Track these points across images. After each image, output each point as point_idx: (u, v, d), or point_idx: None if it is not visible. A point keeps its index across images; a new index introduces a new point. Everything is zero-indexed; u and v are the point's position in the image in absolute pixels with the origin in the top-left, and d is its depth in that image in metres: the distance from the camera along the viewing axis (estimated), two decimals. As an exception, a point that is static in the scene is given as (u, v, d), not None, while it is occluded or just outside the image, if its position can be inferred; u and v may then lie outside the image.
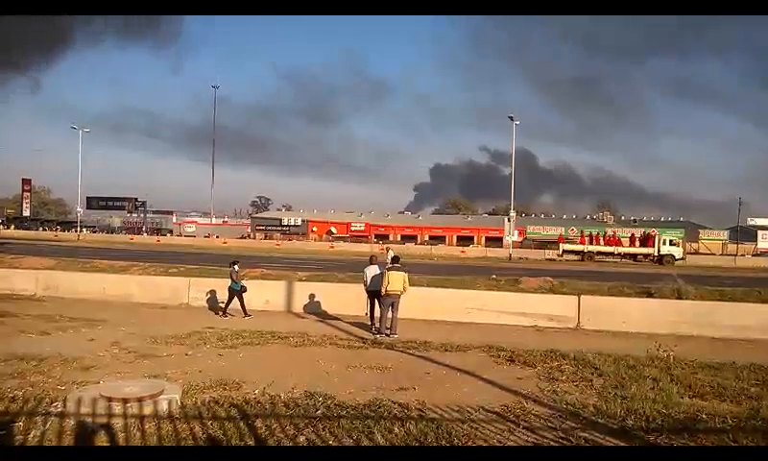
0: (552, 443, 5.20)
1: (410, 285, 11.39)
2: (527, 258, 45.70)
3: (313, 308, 13.76)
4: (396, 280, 10.94)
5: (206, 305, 14.14)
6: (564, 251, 47.10)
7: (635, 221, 79.05)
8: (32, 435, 4.99)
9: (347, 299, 13.76)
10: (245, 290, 13.05)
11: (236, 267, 13.06)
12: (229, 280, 13.03)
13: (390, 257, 21.36)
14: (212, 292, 14.32)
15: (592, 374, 7.97)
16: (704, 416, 6.07)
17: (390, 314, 11.01)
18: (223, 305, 13.21)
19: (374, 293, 11.46)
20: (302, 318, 12.99)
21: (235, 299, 12.87)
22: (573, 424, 5.75)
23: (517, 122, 48.76)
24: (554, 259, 45.27)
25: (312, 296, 14.02)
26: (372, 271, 11.63)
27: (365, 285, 11.80)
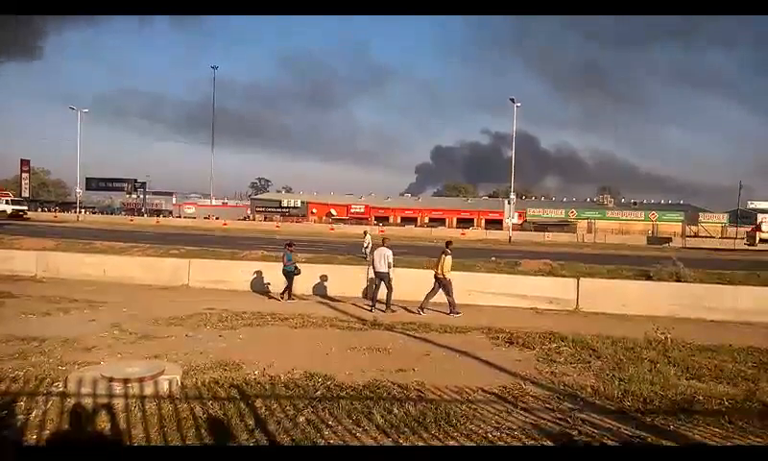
0: (550, 424, 5.25)
1: (410, 268, 11.64)
2: (538, 241, 45.63)
3: (313, 290, 13.79)
4: (449, 265, 11.46)
5: (250, 289, 14.05)
6: (762, 240, 44.17)
7: (635, 204, 78.96)
8: (33, 415, 5.03)
9: (347, 281, 13.80)
10: (298, 272, 12.91)
11: (291, 249, 12.91)
12: (282, 263, 12.86)
13: (367, 240, 21.33)
14: (258, 273, 14.27)
15: (590, 356, 8.03)
16: (700, 398, 6.12)
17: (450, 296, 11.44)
18: (275, 289, 13.33)
19: (381, 275, 11.80)
20: (303, 300, 13.02)
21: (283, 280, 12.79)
22: (571, 406, 5.81)
23: (519, 104, 48.43)
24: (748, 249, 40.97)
25: (312, 278, 14.04)
26: (381, 253, 11.84)
27: (373, 267, 12.00)
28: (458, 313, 11.25)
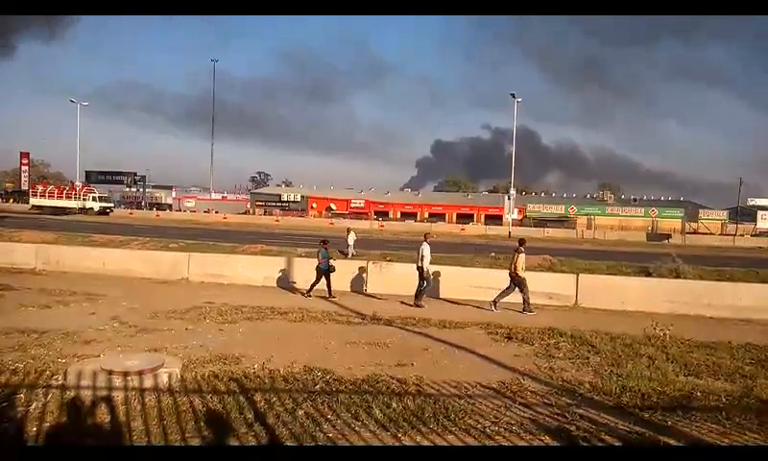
0: (548, 419, 5.27)
1: (411, 263, 11.79)
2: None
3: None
4: (522, 262, 11.51)
5: (276, 285, 13.99)
6: None
7: (635, 200, 78.89)
8: (33, 407, 5.05)
9: (347, 275, 13.81)
10: (333, 270, 12.68)
11: (326, 247, 12.71)
12: (317, 261, 12.67)
13: (351, 238, 20.98)
14: (283, 271, 14.17)
15: (589, 351, 8.05)
16: (698, 394, 6.14)
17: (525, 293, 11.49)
18: (298, 285, 13.27)
19: (419, 269, 11.97)
20: (303, 294, 13.03)
21: (319, 278, 12.59)
22: (569, 401, 5.82)
23: (519, 99, 48.37)
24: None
25: (313, 272, 14.03)
26: (420, 248, 11.97)
27: (420, 262, 12.00)
28: (531, 312, 11.19)
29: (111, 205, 62.72)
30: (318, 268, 12.60)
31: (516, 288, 11.52)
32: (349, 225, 31.10)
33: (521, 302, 11.52)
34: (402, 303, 11.86)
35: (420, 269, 11.99)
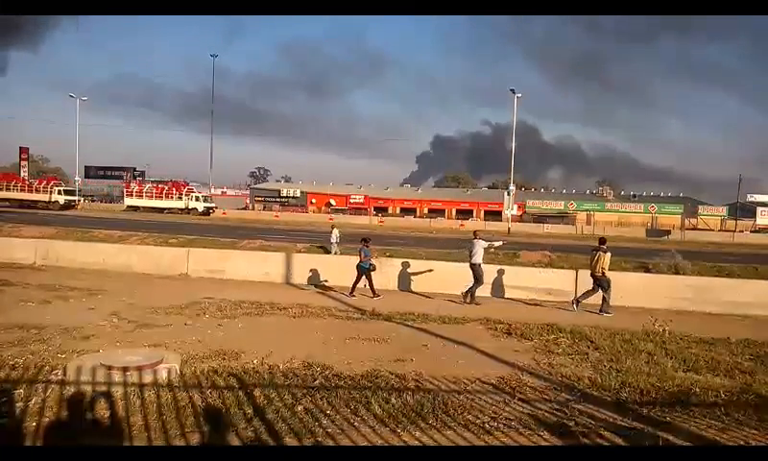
0: (547, 414, 5.27)
1: (410, 259, 11.71)
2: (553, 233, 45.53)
3: (313, 280, 13.81)
4: (607, 262, 11.29)
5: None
6: None
7: (634, 196, 78.88)
8: (33, 402, 5.05)
9: (346, 271, 13.79)
10: (374, 269, 12.40)
11: (367, 245, 12.42)
12: (359, 259, 12.36)
13: (334, 236, 20.55)
14: (314, 271, 13.96)
15: (588, 347, 8.05)
16: (697, 390, 6.14)
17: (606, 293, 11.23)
18: (326, 284, 13.27)
19: (472, 266, 11.98)
20: (302, 290, 13.04)
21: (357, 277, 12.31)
22: (568, 397, 5.83)
23: (519, 95, 48.18)
24: None
25: (312, 268, 14.06)
26: (481, 244, 11.97)
27: (472, 258, 12.00)
28: (609, 313, 10.90)
29: (214, 205, 60.48)
30: (359, 266, 12.27)
31: (599, 288, 11.20)
32: (340, 220, 30.45)
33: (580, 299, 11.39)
34: (429, 296, 11.84)
35: (474, 266, 11.93)
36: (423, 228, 48.46)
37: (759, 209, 58.18)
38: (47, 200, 57.60)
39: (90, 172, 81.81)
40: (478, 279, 11.93)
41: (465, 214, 71.82)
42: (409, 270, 13.57)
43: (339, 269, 13.86)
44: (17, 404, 5.01)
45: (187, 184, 65.30)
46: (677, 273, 16.29)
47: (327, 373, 6.28)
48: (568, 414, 5.29)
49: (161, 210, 57.24)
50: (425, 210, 76.40)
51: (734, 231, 52.44)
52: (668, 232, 49.03)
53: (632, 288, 12.41)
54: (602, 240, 11.73)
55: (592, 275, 11.40)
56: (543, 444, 4.63)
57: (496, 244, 12.87)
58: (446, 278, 13.15)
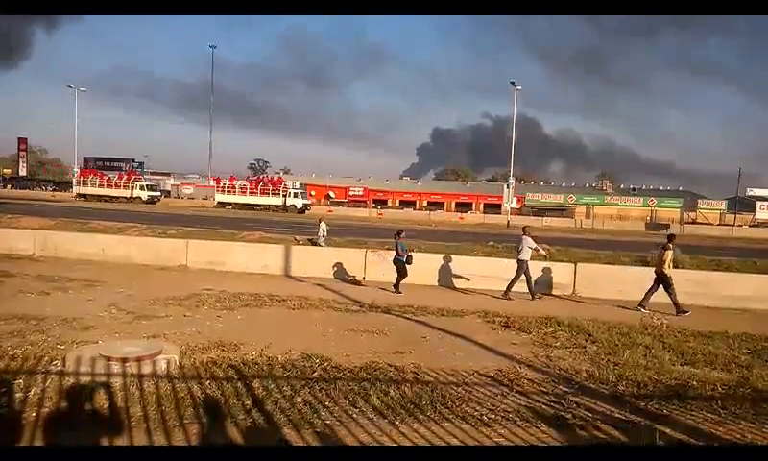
0: (544, 407, 5.30)
1: (411, 252, 11.96)
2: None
3: (312, 272, 13.81)
4: (670, 259, 10.98)
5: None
6: None
7: (633, 190, 78.92)
8: (32, 393, 5.06)
9: (346, 263, 13.82)
10: (410, 262, 11.94)
11: (402, 238, 12.06)
12: (395, 253, 12.05)
13: (322, 229, 20.42)
14: (339, 265, 13.74)
15: (586, 340, 8.08)
16: (694, 383, 6.17)
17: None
18: (357, 279, 13.11)
19: (519, 262, 11.88)
20: (301, 282, 13.04)
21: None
22: (566, 389, 5.86)
23: (519, 87, 48.09)
24: None
25: (312, 260, 14.06)
26: (528, 242, 11.84)
27: (518, 254, 11.96)
28: (686, 312, 10.39)
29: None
30: (396, 260, 11.94)
31: (662, 287, 10.85)
32: (339, 213, 30.20)
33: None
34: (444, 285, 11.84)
35: (520, 262, 11.81)
36: (423, 220, 48.44)
37: (759, 204, 58.28)
38: (128, 196, 58.18)
39: (89, 163, 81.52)
40: (521, 274, 11.76)
41: (464, 207, 71.84)
42: (451, 265, 13.31)
43: (339, 261, 13.87)
44: (17, 395, 5.03)
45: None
46: (675, 267, 16.26)
47: (326, 365, 6.30)
48: (566, 406, 5.31)
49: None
50: (425, 203, 76.41)
51: (733, 225, 52.50)
52: (668, 226, 49.06)
53: (630, 281, 12.42)
54: (670, 237, 11.43)
55: (656, 272, 11.08)
56: (541, 435, 4.66)
57: (542, 251, 12.57)
58: (445, 269, 13.17)
